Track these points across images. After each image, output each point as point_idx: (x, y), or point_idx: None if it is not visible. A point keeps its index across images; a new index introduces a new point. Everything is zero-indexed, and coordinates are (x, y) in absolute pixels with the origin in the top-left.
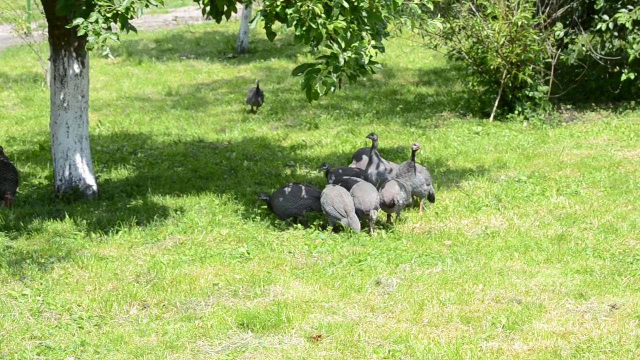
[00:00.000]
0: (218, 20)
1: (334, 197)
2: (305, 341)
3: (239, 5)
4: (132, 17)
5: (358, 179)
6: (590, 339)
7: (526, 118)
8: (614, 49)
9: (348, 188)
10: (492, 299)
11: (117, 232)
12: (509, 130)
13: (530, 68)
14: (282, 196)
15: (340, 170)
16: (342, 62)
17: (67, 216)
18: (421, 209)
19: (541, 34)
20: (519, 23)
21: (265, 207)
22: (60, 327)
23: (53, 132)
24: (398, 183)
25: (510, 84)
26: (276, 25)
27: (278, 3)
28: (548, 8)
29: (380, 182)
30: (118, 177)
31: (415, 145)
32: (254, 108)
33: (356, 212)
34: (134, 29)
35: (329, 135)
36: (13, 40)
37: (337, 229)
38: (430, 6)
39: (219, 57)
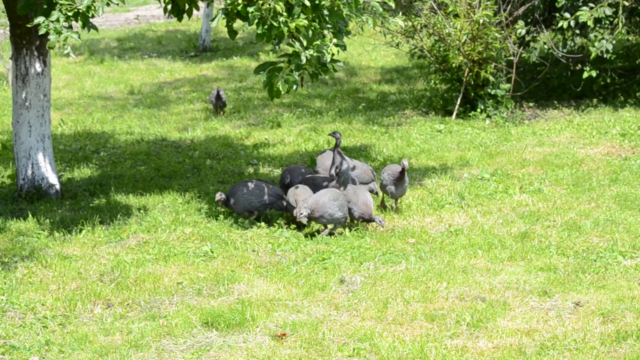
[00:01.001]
0: (180, 19)
1: (296, 192)
2: (269, 340)
3: (200, 4)
4: (93, 16)
5: (323, 177)
6: (554, 336)
7: (488, 116)
8: (576, 47)
9: (316, 186)
10: (456, 297)
11: (80, 231)
12: (471, 128)
13: (492, 66)
14: (246, 190)
15: (303, 169)
16: (304, 60)
17: (30, 215)
18: (396, 208)
19: (503, 32)
20: (481, 21)
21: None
22: (25, 326)
23: (15, 131)
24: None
25: (472, 82)
26: (238, 23)
27: (239, 1)
28: (509, 6)
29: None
30: (81, 176)
31: (404, 163)
32: (217, 110)
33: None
34: (95, 28)
35: (292, 133)
36: None
37: (300, 226)
38: (392, 4)
39: (181, 55)
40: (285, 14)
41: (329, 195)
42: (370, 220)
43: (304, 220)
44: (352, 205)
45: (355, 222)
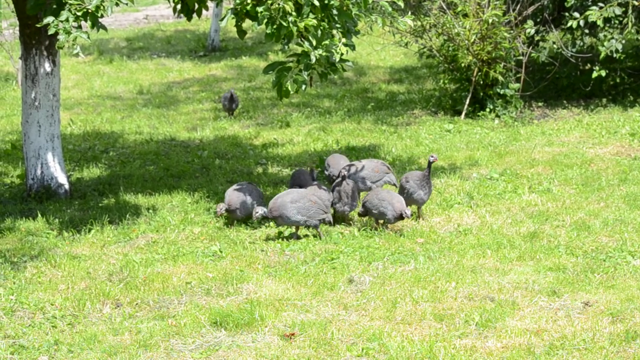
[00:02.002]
0: (189, 19)
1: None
2: (278, 339)
3: (209, 4)
4: (102, 16)
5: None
6: (563, 336)
7: (497, 116)
8: (585, 47)
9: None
10: (465, 297)
11: (89, 230)
12: (480, 127)
13: (502, 66)
14: (250, 195)
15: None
16: (313, 60)
17: (39, 215)
18: (420, 215)
19: (512, 31)
20: (490, 21)
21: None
22: (34, 326)
23: (25, 131)
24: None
25: (481, 82)
26: (247, 23)
27: (249, 1)
28: (519, 5)
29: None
30: (90, 176)
31: (432, 157)
32: (229, 112)
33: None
34: (105, 28)
35: (301, 133)
36: None
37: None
38: (401, 4)
39: (190, 55)
40: (294, 13)
41: (290, 197)
42: (402, 217)
43: (258, 217)
44: (386, 205)
45: (389, 224)
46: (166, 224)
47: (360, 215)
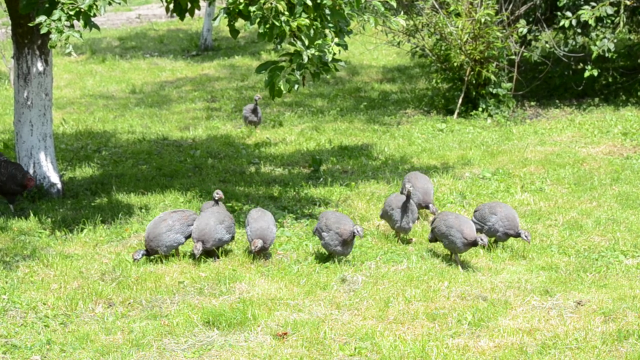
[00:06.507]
0: (182, 18)
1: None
2: (271, 339)
3: (202, 3)
4: (95, 15)
5: None
6: (556, 335)
7: (490, 115)
8: (577, 46)
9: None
10: (458, 296)
11: (82, 230)
12: (473, 127)
13: (494, 65)
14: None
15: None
16: (305, 59)
17: (31, 214)
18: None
19: (504, 31)
20: (482, 20)
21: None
22: (26, 325)
23: (17, 131)
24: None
25: (473, 81)
26: (240, 22)
27: (241, 0)
28: (511, 5)
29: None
30: (82, 175)
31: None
32: (251, 125)
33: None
34: (97, 27)
35: (293, 132)
36: None
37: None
38: (394, 3)
39: (182, 54)
40: (287, 13)
41: (212, 221)
42: (475, 244)
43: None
44: (455, 233)
45: (460, 252)
46: None
47: (430, 241)
